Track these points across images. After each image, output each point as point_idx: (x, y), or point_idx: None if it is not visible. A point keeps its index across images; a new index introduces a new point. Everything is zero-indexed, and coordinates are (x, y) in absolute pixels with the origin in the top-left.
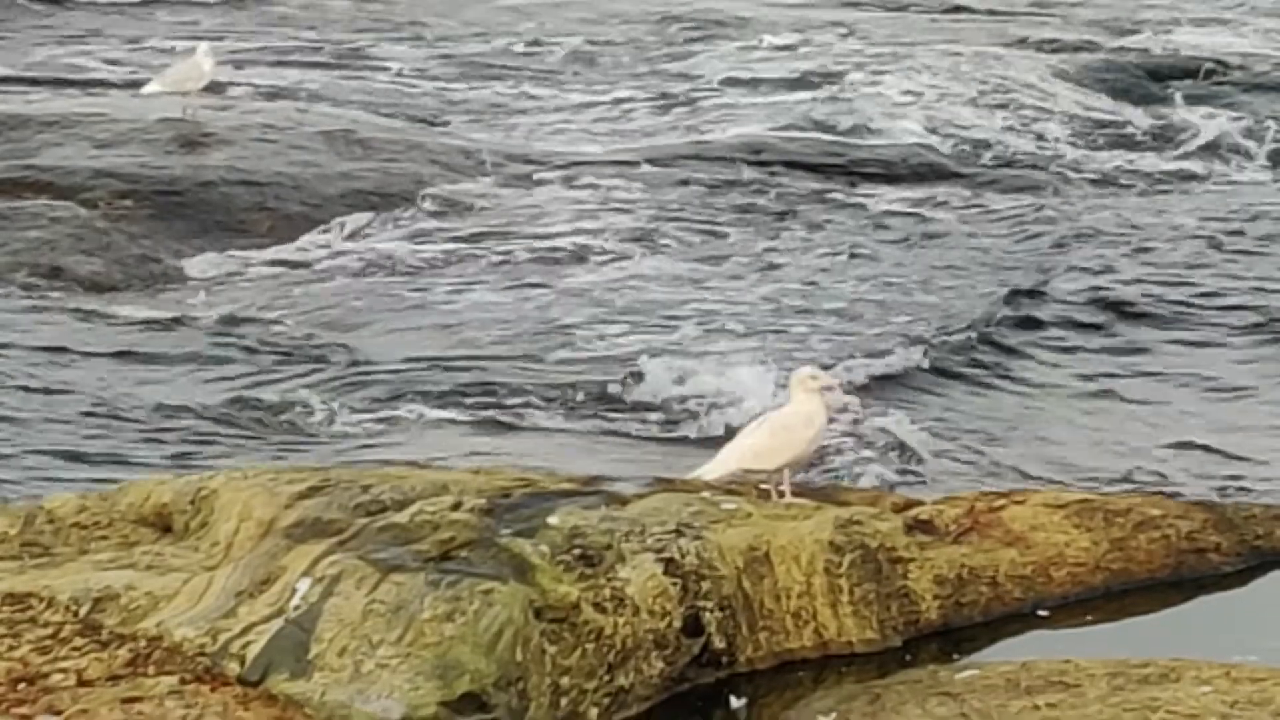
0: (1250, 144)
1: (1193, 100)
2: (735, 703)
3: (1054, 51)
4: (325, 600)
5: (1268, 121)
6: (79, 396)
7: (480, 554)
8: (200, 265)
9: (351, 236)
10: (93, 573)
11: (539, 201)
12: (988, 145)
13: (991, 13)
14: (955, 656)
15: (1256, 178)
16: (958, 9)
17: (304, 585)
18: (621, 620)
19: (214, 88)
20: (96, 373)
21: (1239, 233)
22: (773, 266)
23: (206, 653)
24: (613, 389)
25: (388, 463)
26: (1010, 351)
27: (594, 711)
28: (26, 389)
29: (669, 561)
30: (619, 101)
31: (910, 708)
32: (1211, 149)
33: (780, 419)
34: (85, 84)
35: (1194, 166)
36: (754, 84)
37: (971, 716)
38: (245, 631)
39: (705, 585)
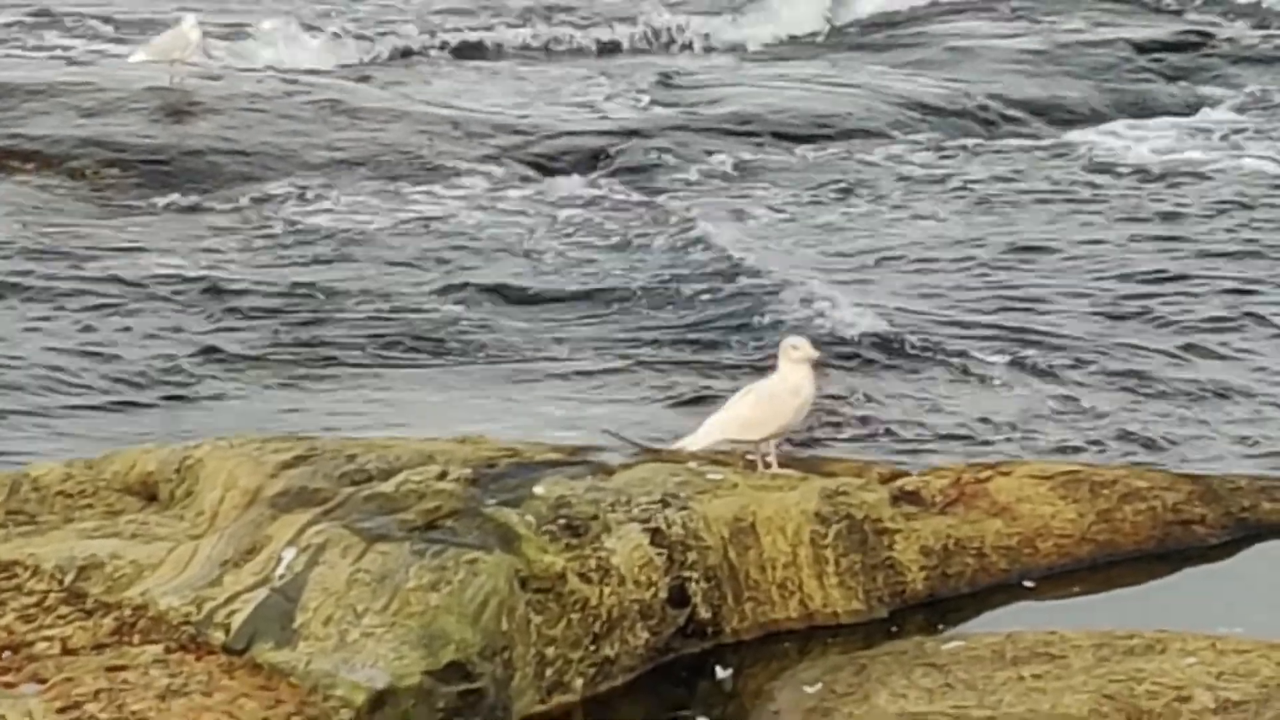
0: None
1: None
2: (721, 673)
3: None
4: (310, 569)
5: None
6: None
7: (466, 524)
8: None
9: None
10: (78, 541)
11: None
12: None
13: None
14: (941, 628)
15: None
16: None
17: (289, 554)
18: (607, 590)
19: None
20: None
21: None
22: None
23: (191, 622)
24: None
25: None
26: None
27: (579, 682)
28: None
29: (655, 532)
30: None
31: (896, 679)
32: None
33: (766, 389)
34: (71, 53)
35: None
36: None
37: (957, 687)
38: (230, 600)
39: (691, 556)
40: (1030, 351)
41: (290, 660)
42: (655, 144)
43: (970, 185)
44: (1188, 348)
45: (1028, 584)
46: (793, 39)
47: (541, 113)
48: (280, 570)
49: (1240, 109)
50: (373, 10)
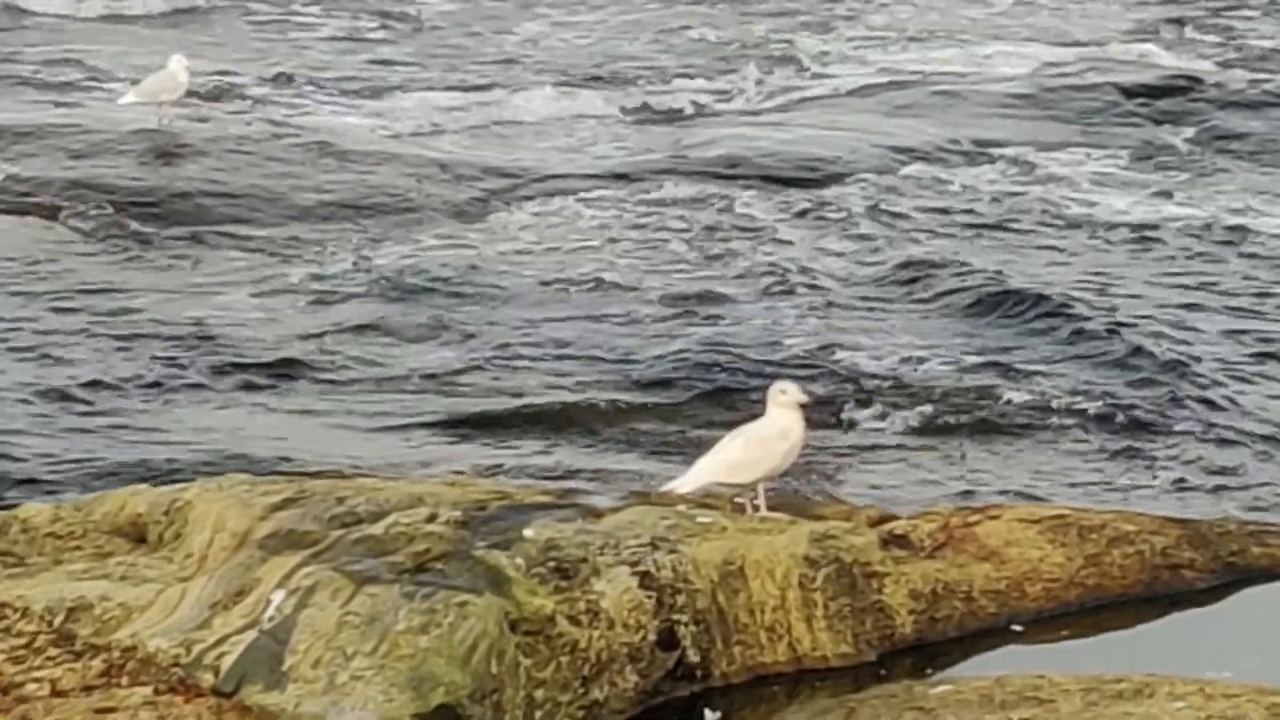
0: None
1: None
2: (709, 716)
3: None
4: (300, 612)
5: None
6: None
7: (455, 566)
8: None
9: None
10: (67, 582)
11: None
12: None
13: None
14: (930, 671)
15: None
16: None
17: (278, 596)
18: (596, 633)
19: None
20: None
21: None
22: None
23: (180, 664)
24: None
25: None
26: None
27: None
28: None
29: (644, 575)
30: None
31: None
32: None
33: (755, 432)
34: (60, 94)
35: None
36: None
37: None
38: (219, 643)
39: (680, 599)
40: (1018, 394)
41: (280, 703)
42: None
43: (951, 223)
44: (1176, 391)
45: (1016, 628)
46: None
47: (533, 157)
48: (269, 612)
49: (1226, 153)
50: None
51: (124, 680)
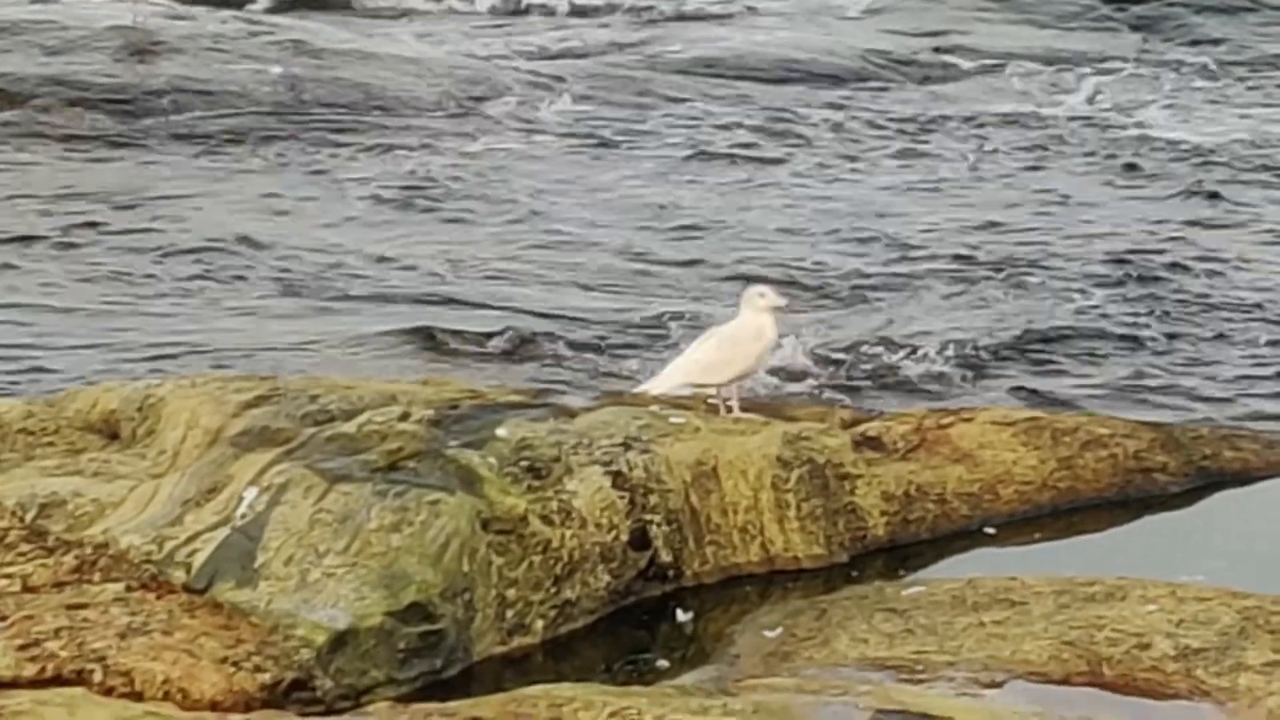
0: None
1: None
2: (681, 616)
3: None
4: (272, 509)
5: None
6: None
7: (428, 465)
8: None
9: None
10: (39, 479)
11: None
12: None
13: None
14: (902, 573)
15: None
16: None
17: (251, 494)
18: (568, 533)
19: None
20: None
21: None
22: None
23: (152, 560)
24: None
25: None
26: None
27: (540, 624)
28: None
29: (616, 474)
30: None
31: (856, 623)
32: None
33: (728, 333)
34: None
35: None
36: None
37: (917, 632)
38: (191, 539)
39: (653, 499)
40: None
41: (251, 600)
42: None
43: (923, 133)
44: (1147, 299)
45: (989, 530)
46: None
47: (495, 57)
48: (242, 510)
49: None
50: None
51: (96, 577)
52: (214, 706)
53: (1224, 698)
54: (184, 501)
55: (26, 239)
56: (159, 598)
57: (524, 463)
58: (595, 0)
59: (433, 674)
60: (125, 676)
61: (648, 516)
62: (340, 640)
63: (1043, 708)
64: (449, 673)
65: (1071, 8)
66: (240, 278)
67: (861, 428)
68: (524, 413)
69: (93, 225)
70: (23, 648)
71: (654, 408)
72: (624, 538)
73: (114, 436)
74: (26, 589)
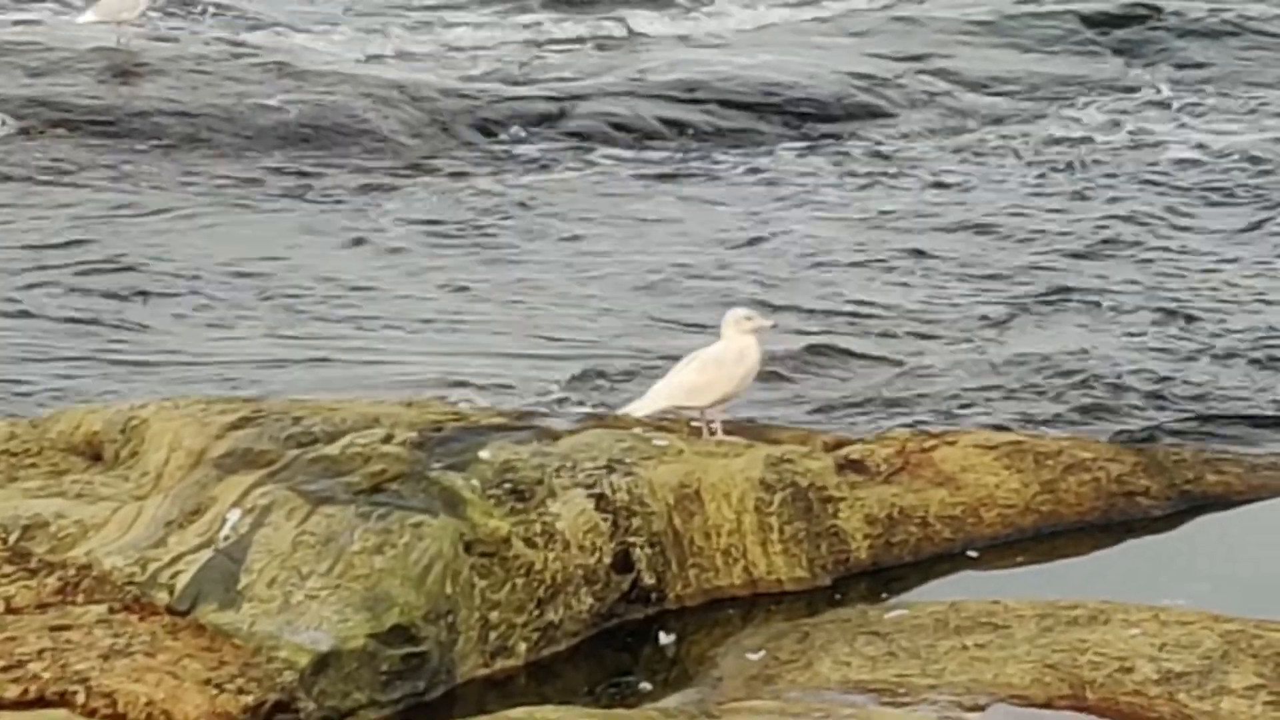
0: None
1: None
2: (664, 639)
3: None
4: (255, 531)
5: None
6: None
7: (411, 487)
8: None
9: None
10: (22, 500)
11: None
12: None
13: None
14: (884, 596)
15: None
16: None
17: (234, 516)
18: (552, 555)
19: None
20: None
21: None
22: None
23: (135, 582)
24: None
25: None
26: None
27: (523, 646)
28: None
29: (600, 497)
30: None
31: (839, 646)
32: None
33: (712, 355)
34: (20, 11)
35: None
36: None
37: (900, 655)
38: (174, 561)
39: (636, 521)
40: (968, 320)
41: (234, 622)
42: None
43: (913, 159)
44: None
45: (971, 553)
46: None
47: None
48: (225, 532)
49: (1184, 84)
50: None
51: (79, 598)
52: None
53: None
54: (167, 523)
55: (10, 261)
56: (142, 619)
57: (507, 485)
58: (579, 29)
59: (416, 696)
60: (108, 698)
61: (631, 539)
62: (323, 662)
63: None
64: (432, 695)
65: (1055, 31)
66: (222, 300)
67: (844, 450)
68: (507, 435)
69: (76, 244)
70: (5, 669)
71: (637, 430)
72: (607, 560)
73: (97, 458)
74: (9, 610)
